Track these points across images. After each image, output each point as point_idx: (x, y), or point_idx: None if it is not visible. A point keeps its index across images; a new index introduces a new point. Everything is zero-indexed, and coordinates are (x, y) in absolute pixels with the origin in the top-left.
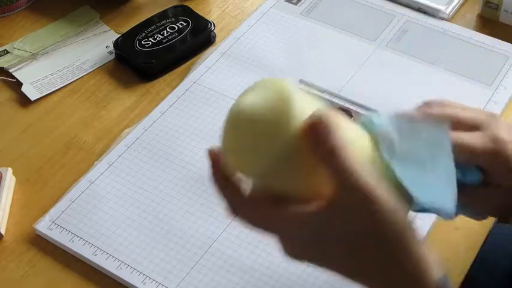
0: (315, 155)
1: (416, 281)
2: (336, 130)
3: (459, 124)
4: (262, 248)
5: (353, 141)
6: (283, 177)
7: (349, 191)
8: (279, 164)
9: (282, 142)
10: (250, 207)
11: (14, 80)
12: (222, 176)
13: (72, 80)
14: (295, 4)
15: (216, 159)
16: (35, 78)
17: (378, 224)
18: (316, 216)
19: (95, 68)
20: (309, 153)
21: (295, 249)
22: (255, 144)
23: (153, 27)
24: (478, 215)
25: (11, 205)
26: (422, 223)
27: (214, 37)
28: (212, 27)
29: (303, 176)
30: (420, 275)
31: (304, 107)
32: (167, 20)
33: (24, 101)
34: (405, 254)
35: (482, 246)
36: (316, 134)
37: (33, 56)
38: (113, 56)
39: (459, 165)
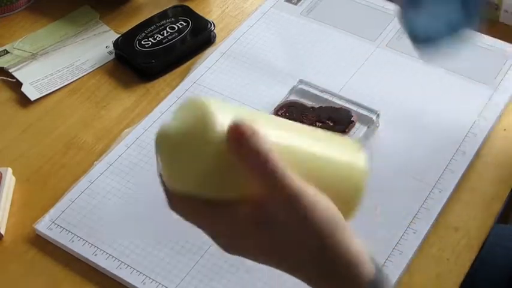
0: (241, 160)
1: (350, 278)
2: (257, 133)
3: None
4: None
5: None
6: (216, 189)
7: (277, 191)
8: (210, 177)
9: (209, 156)
10: (183, 204)
11: (14, 80)
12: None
13: (72, 80)
14: (295, 4)
15: None
16: (35, 78)
17: (306, 221)
18: (250, 216)
19: (94, 68)
20: (235, 160)
21: (226, 245)
22: (185, 164)
23: (153, 27)
24: None
25: (11, 205)
26: (422, 223)
27: (214, 37)
28: (212, 27)
29: (233, 184)
30: (354, 271)
31: (225, 119)
32: (167, 20)
33: (24, 101)
34: (337, 251)
35: (482, 246)
36: (239, 139)
37: (33, 56)
38: (112, 56)
39: None
